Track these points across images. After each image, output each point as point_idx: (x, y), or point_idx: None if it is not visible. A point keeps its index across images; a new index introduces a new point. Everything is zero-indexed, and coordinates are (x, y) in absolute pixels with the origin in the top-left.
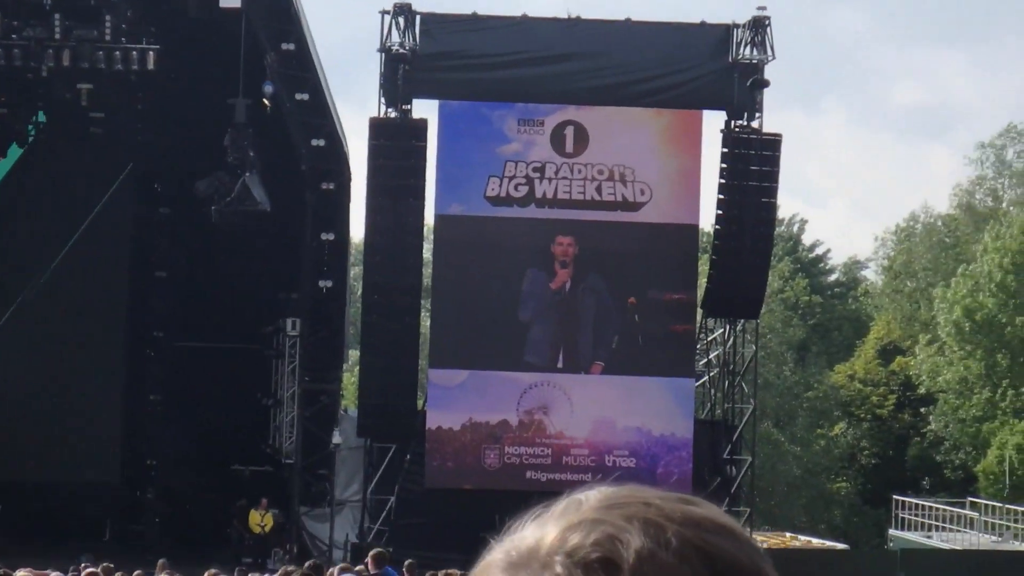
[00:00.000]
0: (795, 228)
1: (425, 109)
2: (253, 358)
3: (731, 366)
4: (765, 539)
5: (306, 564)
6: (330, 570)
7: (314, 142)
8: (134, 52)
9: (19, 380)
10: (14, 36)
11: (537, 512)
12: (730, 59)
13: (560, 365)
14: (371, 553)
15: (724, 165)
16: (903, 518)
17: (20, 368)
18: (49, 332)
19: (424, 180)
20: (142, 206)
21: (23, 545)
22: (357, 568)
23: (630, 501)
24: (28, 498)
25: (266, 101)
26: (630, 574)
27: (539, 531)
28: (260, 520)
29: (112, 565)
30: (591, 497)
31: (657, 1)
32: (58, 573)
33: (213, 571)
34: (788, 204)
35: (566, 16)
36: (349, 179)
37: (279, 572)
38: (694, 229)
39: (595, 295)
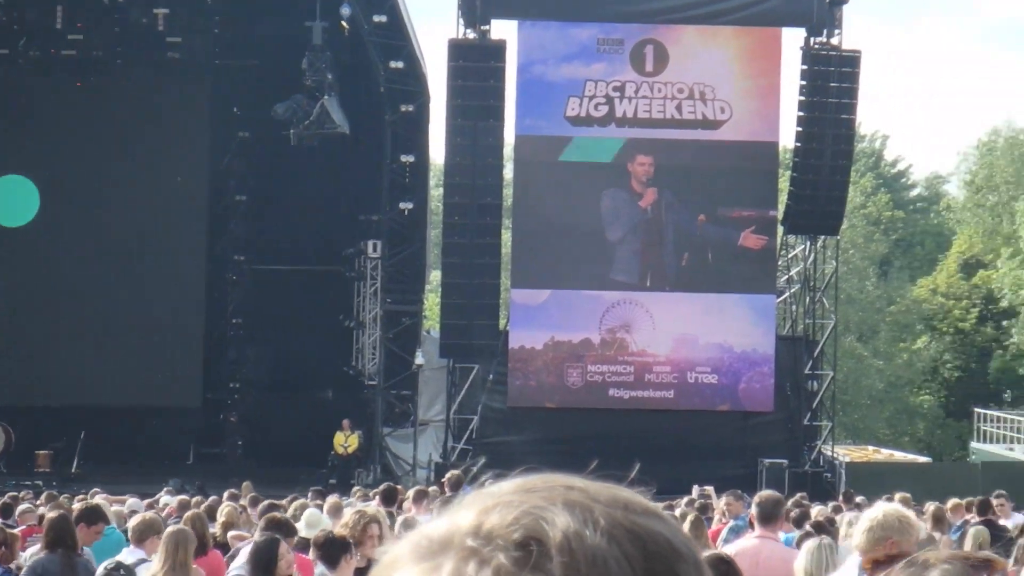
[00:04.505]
0: (877, 144)
1: (504, 30)
2: (334, 280)
3: (812, 282)
4: (848, 452)
5: (380, 487)
6: (407, 492)
7: (392, 64)
8: None
9: (100, 305)
10: None
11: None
12: None
13: (649, 283)
14: (447, 476)
15: (804, 82)
16: (985, 431)
17: (101, 293)
18: (130, 258)
19: (503, 101)
20: (221, 130)
21: (106, 470)
22: (431, 489)
23: (551, 485)
24: (111, 423)
25: (344, 23)
26: (557, 552)
27: (452, 518)
28: (344, 441)
29: (201, 485)
30: (507, 484)
31: None
32: (135, 498)
33: (294, 494)
34: (870, 120)
35: None
36: (428, 101)
37: (353, 494)
38: (774, 146)
39: (674, 213)
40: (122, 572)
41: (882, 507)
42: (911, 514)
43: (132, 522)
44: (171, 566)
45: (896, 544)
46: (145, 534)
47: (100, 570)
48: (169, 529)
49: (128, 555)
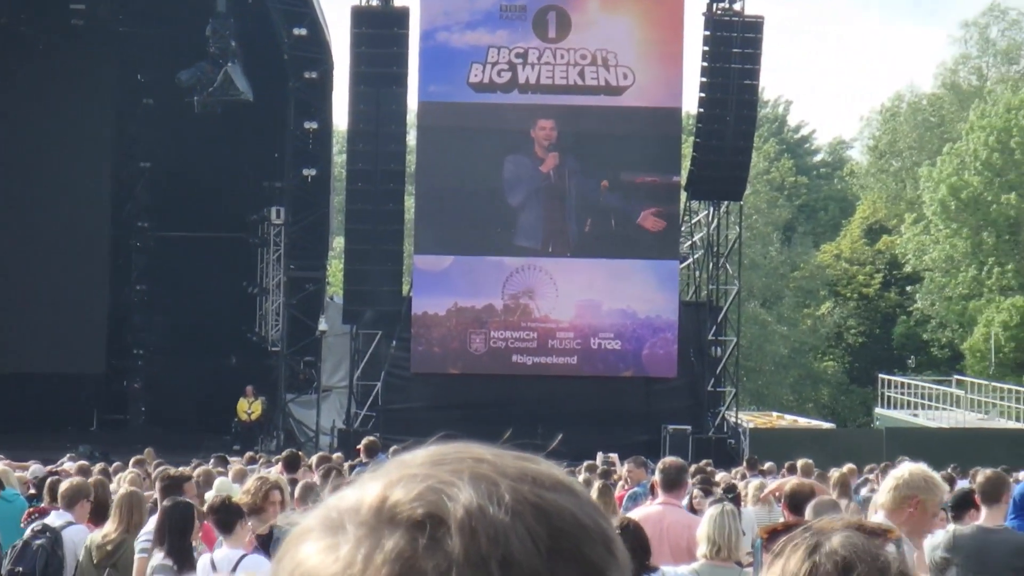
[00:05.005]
0: (780, 109)
1: None
2: (238, 247)
3: (716, 248)
4: (752, 419)
5: (283, 454)
6: (310, 459)
7: (296, 31)
8: None
9: (3, 270)
10: None
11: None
12: None
13: (551, 249)
14: (363, 443)
15: (706, 48)
16: (889, 396)
17: (4, 259)
18: (33, 224)
19: (407, 68)
20: (125, 97)
21: (8, 436)
22: (335, 456)
23: (461, 457)
24: (13, 389)
25: None
26: (457, 531)
27: (360, 490)
28: (248, 407)
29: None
30: (419, 454)
31: None
32: (38, 464)
33: (198, 460)
34: (773, 86)
35: None
36: (332, 68)
37: (247, 458)
38: (677, 112)
39: (576, 178)
40: (48, 534)
41: (908, 466)
42: (935, 473)
43: (62, 487)
44: (125, 528)
45: (922, 503)
46: (75, 499)
47: (27, 532)
48: (121, 491)
49: (55, 518)
